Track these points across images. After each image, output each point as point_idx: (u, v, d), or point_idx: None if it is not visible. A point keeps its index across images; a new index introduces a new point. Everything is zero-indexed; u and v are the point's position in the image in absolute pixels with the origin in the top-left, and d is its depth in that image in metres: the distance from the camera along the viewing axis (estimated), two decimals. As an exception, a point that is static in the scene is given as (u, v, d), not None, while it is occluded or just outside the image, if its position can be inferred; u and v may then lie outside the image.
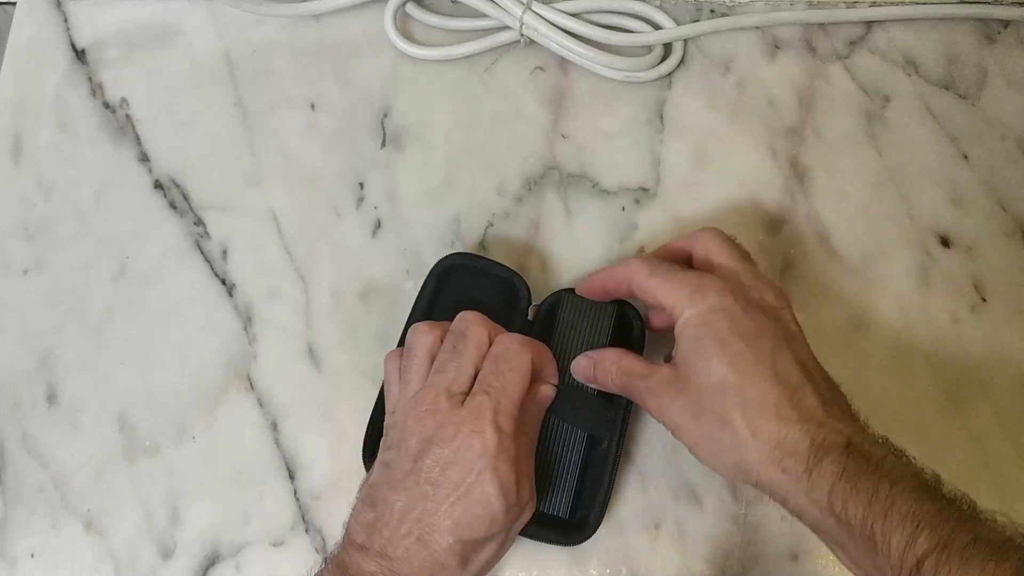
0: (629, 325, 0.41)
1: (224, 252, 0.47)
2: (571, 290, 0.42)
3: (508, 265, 0.43)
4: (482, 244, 0.46)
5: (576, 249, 0.46)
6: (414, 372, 0.37)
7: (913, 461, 0.32)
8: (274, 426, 0.43)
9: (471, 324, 0.38)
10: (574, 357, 0.40)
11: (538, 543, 0.39)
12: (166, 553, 0.42)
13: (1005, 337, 0.44)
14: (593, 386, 0.40)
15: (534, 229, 0.46)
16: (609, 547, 0.41)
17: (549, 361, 0.39)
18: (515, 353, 0.37)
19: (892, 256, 0.45)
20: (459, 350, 0.37)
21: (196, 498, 0.42)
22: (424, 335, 0.38)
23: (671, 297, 0.36)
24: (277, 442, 0.43)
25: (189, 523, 0.42)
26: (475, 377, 0.36)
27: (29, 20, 0.51)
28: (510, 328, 0.39)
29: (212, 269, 0.46)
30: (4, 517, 0.43)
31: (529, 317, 0.42)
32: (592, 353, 0.40)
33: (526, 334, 0.38)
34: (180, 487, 0.43)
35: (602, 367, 0.39)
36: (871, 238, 0.45)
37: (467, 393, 0.36)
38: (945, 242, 0.45)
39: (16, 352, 0.45)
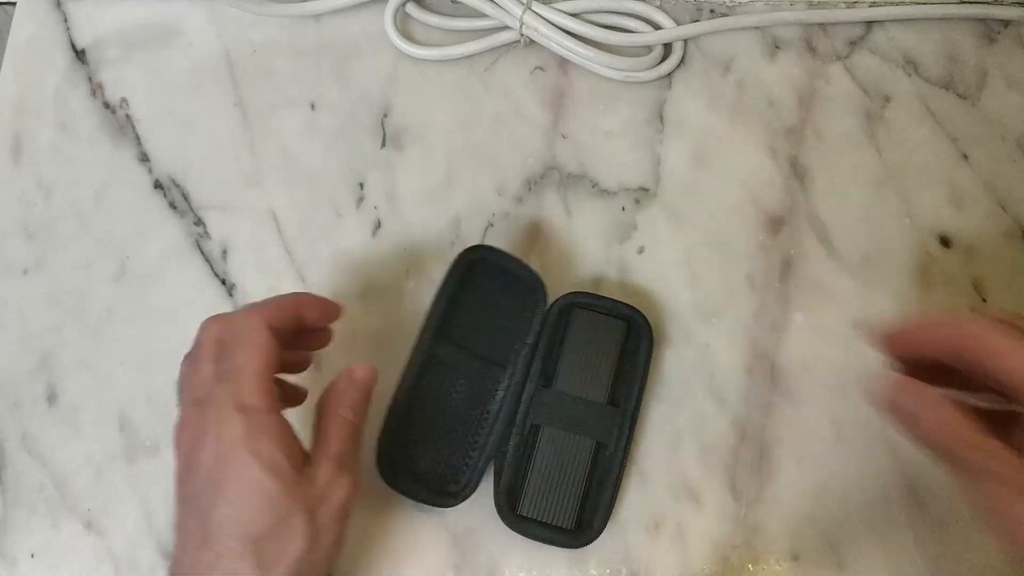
0: (637, 340, 0.41)
1: (224, 252, 0.47)
2: (580, 294, 0.42)
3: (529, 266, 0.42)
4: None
5: (576, 249, 0.46)
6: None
7: None
8: (274, 426, 0.43)
9: (202, 328, 0.35)
10: (583, 371, 0.40)
11: (540, 545, 0.39)
12: (166, 553, 0.42)
13: (1005, 337, 0.44)
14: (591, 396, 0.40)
15: (534, 229, 0.46)
16: (609, 547, 0.41)
17: (309, 304, 0.37)
18: (245, 328, 0.34)
19: (892, 256, 0.45)
20: (195, 356, 0.34)
21: (196, 498, 0.42)
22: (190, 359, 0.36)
23: None
24: (277, 442, 0.43)
25: (189, 523, 0.42)
26: None
27: (29, 20, 0.51)
28: (527, 330, 0.41)
29: (212, 269, 0.46)
30: (4, 517, 0.43)
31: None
32: (914, 388, 0.31)
33: (538, 337, 0.40)
34: (180, 487, 0.43)
35: (926, 421, 0.30)
36: (871, 238, 0.45)
37: None
38: (945, 242, 0.45)
39: (16, 352, 0.45)
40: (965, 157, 0.47)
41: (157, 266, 0.46)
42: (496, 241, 0.46)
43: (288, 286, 0.46)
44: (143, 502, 0.42)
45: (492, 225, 0.46)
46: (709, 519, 0.41)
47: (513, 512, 0.40)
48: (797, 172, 0.47)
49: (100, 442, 0.43)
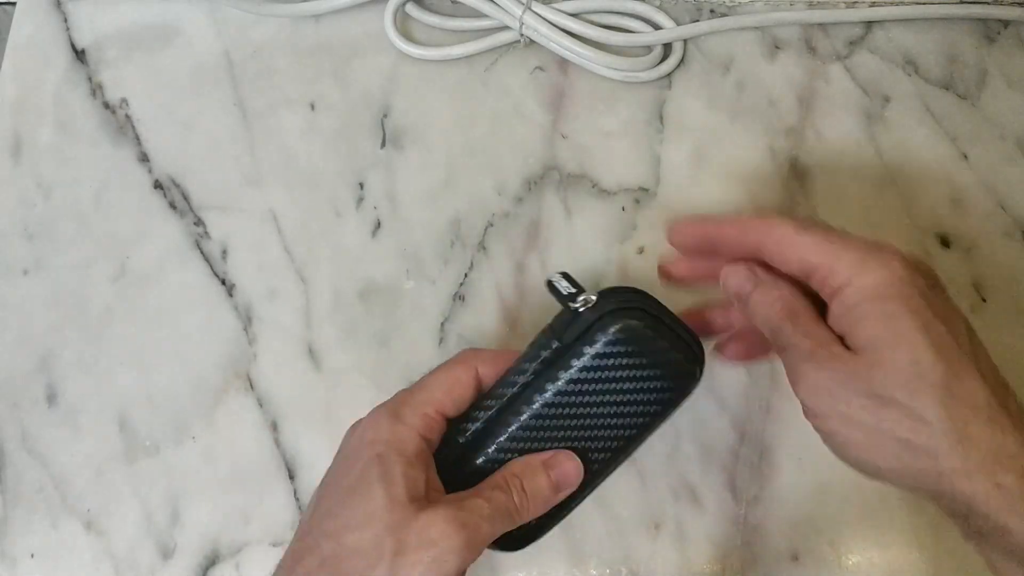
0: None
1: (224, 252, 0.47)
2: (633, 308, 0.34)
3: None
4: (482, 244, 0.46)
5: (576, 249, 0.46)
6: None
7: None
8: (274, 426, 0.43)
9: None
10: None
11: (539, 544, 0.39)
12: (166, 553, 0.42)
13: (1005, 337, 0.44)
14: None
15: (534, 229, 0.46)
16: (609, 547, 0.41)
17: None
18: (446, 370, 0.34)
19: (892, 256, 0.45)
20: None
21: (196, 498, 0.42)
22: None
23: (834, 258, 0.29)
24: (277, 442, 0.43)
25: (189, 523, 0.42)
26: None
27: (29, 20, 0.51)
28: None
29: (212, 269, 0.46)
30: (4, 517, 0.43)
31: (580, 309, 0.34)
32: (761, 273, 0.31)
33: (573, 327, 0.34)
34: (180, 487, 0.43)
35: (765, 295, 0.31)
36: (871, 238, 0.45)
37: None
38: (945, 242, 0.45)
39: (16, 352, 0.45)
40: (965, 157, 0.47)
41: (157, 266, 0.46)
42: (496, 241, 0.46)
43: (288, 286, 0.46)
44: (143, 502, 0.42)
45: (492, 225, 0.46)
46: (709, 519, 0.41)
47: None
48: (797, 172, 0.47)
49: (100, 442, 0.43)
